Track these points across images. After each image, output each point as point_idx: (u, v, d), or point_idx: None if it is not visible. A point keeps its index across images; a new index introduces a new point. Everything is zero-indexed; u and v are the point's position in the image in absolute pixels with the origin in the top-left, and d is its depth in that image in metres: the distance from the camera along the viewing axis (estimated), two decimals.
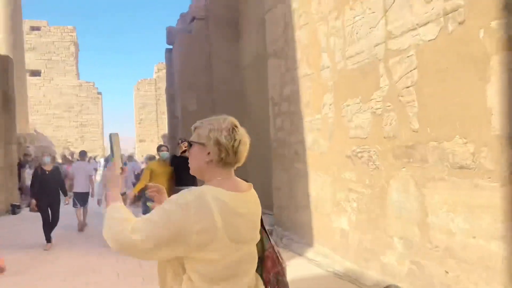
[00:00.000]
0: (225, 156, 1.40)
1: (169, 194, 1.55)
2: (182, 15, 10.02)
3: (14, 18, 19.89)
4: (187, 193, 1.32)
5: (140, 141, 39.21)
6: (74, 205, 8.25)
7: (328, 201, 5.01)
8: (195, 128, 1.49)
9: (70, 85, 36.74)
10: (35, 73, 36.25)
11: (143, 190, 6.05)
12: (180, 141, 6.22)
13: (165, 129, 39.93)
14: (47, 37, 36.55)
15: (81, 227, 8.21)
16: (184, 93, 9.14)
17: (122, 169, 1.58)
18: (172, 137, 10.89)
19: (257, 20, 8.25)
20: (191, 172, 1.51)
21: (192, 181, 4.81)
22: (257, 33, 8.34)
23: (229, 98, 9.33)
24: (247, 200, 1.44)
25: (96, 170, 15.52)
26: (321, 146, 5.14)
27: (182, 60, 9.23)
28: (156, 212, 1.31)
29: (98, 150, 36.25)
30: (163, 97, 39.82)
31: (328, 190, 5.00)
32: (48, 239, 6.79)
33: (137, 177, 9.61)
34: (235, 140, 1.41)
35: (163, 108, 39.35)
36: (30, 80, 35.57)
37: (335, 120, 4.77)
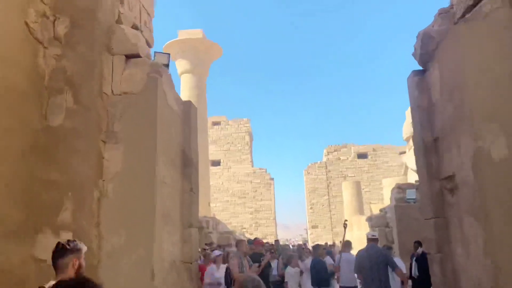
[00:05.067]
0: None
1: None
2: (442, 12, 5.63)
3: (201, 119, 18.91)
4: None
5: (313, 227, 34.55)
6: None
7: None
8: None
9: (245, 173, 34.84)
10: (215, 163, 35.47)
11: None
12: None
13: (338, 215, 34.91)
14: (225, 130, 36.01)
15: None
16: (479, 128, 4.37)
17: None
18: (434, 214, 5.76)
19: None
20: None
21: None
22: None
23: None
24: None
25: None
26: None
27: (472, 65, 4.57)
28: None
29: (271, 236, 32.40)
30: (335, 181, 35.27)
31: None
32: None
33: None
34: None
35: (335, 192, 34.66)
36: (212, 169, 34.76)
37: None
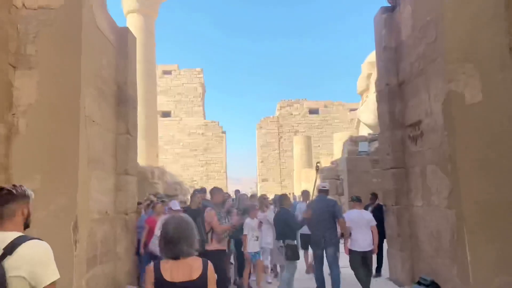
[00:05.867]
0: None
1: None
2: None
3: (148, 63, 17.51)
4: None
5: (263, 180, 34.69)
6: None
7: None
8: None
9: (197, 125, 33.87)
10: (166, 114, 34.13)
11: None
12: None
13: (288, 169, 35.16)
14: (177, 80, 34.44)
15: None
16: (453, 68, 3.83)
17: None
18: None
19: None
20: None
21: None
22: None
23: None
24: None
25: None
26: None
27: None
28: None
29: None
30: (286, 135, 35.23)
31: None
32: None
33: None
34: None
35: (286, 146, 34.74)
36: (162, 121, 33.44)
37: None
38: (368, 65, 13.95)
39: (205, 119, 34.40)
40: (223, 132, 35.01)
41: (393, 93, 5.01)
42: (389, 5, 5.06)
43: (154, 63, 18.61)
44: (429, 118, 4.22)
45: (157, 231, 5.49)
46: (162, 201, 6.22)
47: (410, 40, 4.59)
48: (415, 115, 4.58)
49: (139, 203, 5.92)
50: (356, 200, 5.11)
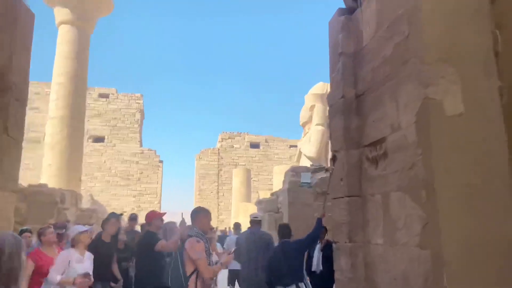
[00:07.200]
0: None
1: None
2: None
3: (78, 80, 16.04)
4: None
5: None
6: None
7: None
8: None
9: (132, 152, 31.87)
10: (99, 139, 31.89)
11: None
12: None
13: (225, 202, 33.78)
14: (114, 104, 32.52)
15: None
16: (431, 70, 2.98)
17: None
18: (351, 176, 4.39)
19: None
20: None
21: None
22: None
23: None
24: None
25: None
26: None
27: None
28: None
29: None
30: (226, 168, 34.01)
31: None
32: None
33: None
34: None
35: (225, 179, 33.49)
36: (93, 146, 31.13)
37: None
38: (312, 97, 13.49)
39: (141, 146, 32.54)
40: (160, 161, 33.29)
41: (350, 106, 4.17)
42: (349, 6, 4.29)
43: (85, 80, 17.03)
44: (396, 134, 3.36)
45: (55, 272, 4.02)
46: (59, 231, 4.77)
47: (374, 43, 3.80)
48: (376, 131, 3.72)
49: (23, 231, 4.46)
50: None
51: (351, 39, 4.21)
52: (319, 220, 3.97)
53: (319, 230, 3.97)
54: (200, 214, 3.45)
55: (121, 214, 7.52)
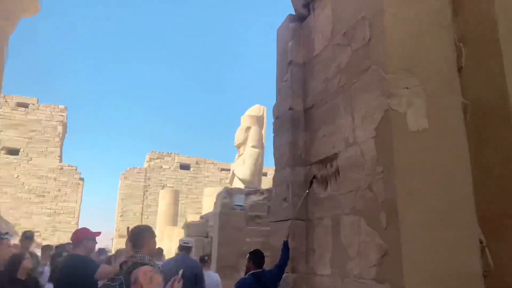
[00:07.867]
0: None
1: None
2: None
3: None
4: None
5: (120, 236, 30.75)
6: None
7: None
8: None
9: (50, 168, 29.24)
10: (13, 151, 28.89)
11: None
12: None
13: (151, 224, 31.97)
14: (33, 115, 29.84)
15: None
16: (394, 79, 2.64)
17: None
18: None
19: None
20: None
21: None
22: None
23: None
24: None
25: None
26: None
27: None
28: None
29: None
30: (153, 189, 32.34)
31: None
32: None
33: None
34: None
35: (151, 201, 31.78)
36: (5, 158, 28.10)
37: None
38: (248, 118, 13.15)
39: (61, 162, 29.99)
40: (81, 179, 30.87)
41: (297, 120, 3.75)
42: (300, 13, 3.93)
43: (0, 83, 15.18)
44: (351, 150, 2.97)
45: None
46: None
47: (328, 51, 3.44)
48: (328, 147, 3.31)
49: None
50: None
51: (301, 48, 3.84)
52: (286, 243, 3.41)
53: (287, 255, 3.41)
54: (147, 234, 2.72)
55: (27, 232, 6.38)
